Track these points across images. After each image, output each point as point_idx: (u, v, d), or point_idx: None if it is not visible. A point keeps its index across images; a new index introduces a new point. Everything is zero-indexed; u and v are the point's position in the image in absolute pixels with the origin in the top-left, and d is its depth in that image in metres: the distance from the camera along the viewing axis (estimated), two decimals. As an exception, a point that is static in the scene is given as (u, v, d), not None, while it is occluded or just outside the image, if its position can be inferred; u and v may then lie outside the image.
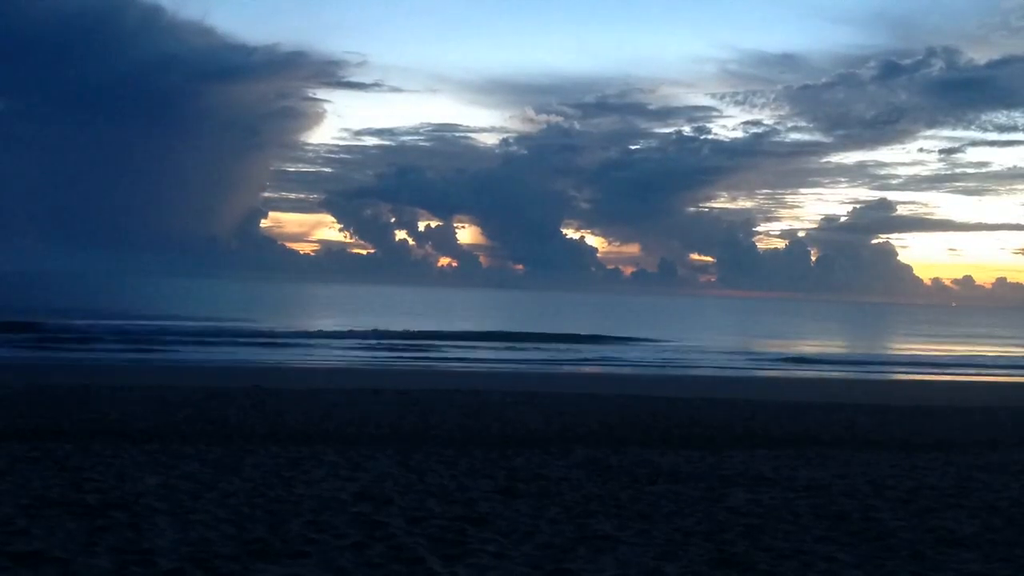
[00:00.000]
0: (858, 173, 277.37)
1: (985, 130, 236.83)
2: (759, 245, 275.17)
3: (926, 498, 9.81)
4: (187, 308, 76.02)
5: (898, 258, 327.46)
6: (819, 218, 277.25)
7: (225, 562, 6.36)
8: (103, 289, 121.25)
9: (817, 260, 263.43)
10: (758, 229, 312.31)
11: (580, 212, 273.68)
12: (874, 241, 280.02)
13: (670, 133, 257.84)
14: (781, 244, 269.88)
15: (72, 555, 6.33)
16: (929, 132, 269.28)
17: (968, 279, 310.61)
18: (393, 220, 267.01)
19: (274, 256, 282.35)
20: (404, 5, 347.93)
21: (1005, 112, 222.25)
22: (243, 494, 8.77)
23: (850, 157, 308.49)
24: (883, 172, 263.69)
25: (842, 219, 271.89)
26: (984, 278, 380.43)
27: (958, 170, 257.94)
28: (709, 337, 64.87)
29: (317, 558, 6.58)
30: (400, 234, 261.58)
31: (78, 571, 6.02)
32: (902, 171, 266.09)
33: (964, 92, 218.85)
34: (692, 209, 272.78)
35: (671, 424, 17.02)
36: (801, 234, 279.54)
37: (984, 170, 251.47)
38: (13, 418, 14.96)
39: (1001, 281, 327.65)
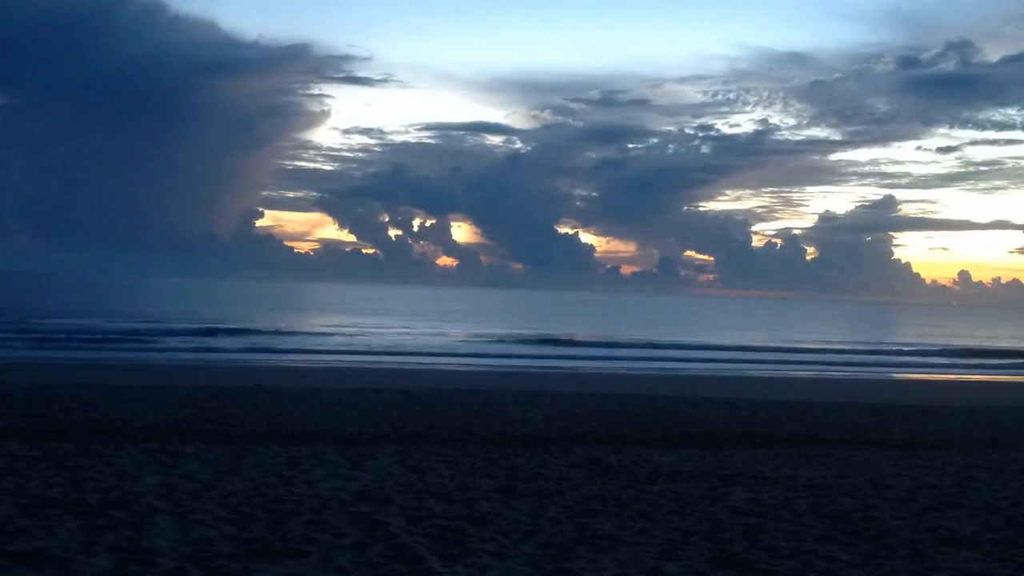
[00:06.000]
0: (865, 171, 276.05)
1: (992, 128, 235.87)
2: (763, 244, 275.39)
3: (926, 498, 9.81)
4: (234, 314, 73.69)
5: (901, 257, 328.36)
6: (824, 217, 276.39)
7: (225, 561, 6.36)
8: (101, 289, 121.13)
9: (820, 259, 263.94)
10: (763, 228, 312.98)
11: (583, 211, 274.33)
12: (878, 240, 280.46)
13: (676, 131, 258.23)
14: (785, 243, 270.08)
15: (72, 554, 6.33)
16: (935, 130, 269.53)
17: (972, 278, 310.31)
18: (393, 219, 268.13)
19: (274, 255, 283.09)
20: (408, 1, 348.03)
21: (1012, 109, 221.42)
22: (243, 493, 8.77)
23: (857, 154, 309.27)
24: (890, 170, 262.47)
25: (847, 218, 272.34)
26: (985, 277, 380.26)
27: (969, 168, 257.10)
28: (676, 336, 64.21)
29: (317, 557, 6.58)
30: (400, 233, 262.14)
31: (78, 570, 6.02)
32: (909, 169, 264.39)
33: (972, 89, 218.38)
34: (697, 207, 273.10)
35: (671, 423, 17.02)
36: (805, 233, 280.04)
37: (992, 168, 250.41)
38: (13, 418, 14.95)
39: (1003, 280, 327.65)
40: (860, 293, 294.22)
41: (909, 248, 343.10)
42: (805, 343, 58.18)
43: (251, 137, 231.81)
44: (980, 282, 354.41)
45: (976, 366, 45.69)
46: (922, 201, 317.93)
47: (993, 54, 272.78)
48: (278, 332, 51.20)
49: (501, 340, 52.63)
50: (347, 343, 46.20)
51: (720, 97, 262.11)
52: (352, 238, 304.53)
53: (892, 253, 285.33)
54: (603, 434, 15.34)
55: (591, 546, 7.21)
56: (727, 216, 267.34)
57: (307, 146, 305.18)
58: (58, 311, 61.57)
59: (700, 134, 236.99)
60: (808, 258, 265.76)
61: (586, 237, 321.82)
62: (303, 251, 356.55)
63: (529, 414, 17.74)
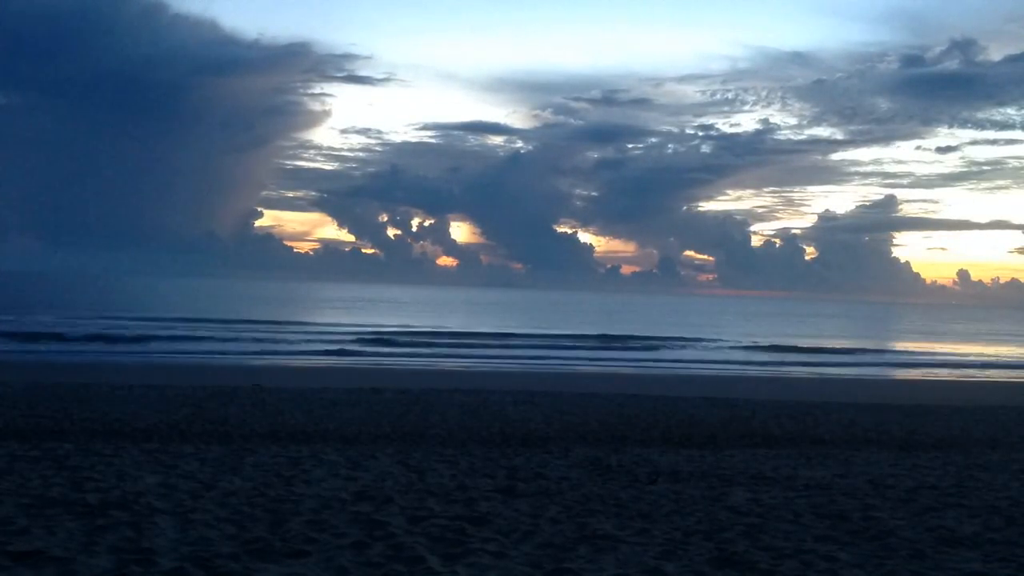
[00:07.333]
0: (867, 170, 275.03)
1: (992, 128, 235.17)
2: (763, 243, 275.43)
3: (926, 497, 9.81)
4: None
5: (901, 257, 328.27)
6: (825, 216, 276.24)
7: (225, 561, 6.35)
8: (101, 290, 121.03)
9: (819, 259, 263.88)
10: (763, 228, 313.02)
11: (583, 210, 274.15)
12: (878, 240, 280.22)
13: (677, 130, 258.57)
14: (784, 243, 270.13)
15: (72, 554, 6.33)
16: (937, 129, 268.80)
17: (971, 278, 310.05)
18: (394, 219, 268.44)
19: (274, 255, 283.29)
20: (409, 1, 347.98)
21: (1011, 108, 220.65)
22: (243, 493, 8.77)
23: (859, 154, 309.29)
24: (891, 170, 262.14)
25: (847, 217, 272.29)
26: (985, 276, 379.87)
27: (971, 168, 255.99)
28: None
29: (317, 557, 6.58)
30: (400, 233, 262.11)
31: (78, 570, 6.02)
32: (911, 168, 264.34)
33: (975, 89, 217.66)
34: (697, 207, 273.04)
35: (671, 423, 17.02)
36: (805, 232, 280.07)
37: (993, 168, 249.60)
38: (13, 418, 14.95)
39: (1002, 280, 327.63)
40: (860, 293, 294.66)
41: (909, 248, 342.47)
42: (805, 343, 58.11)
43: (251, 136, 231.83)
44: (980, 282, 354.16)
45: (975, 368, 45.67)
46: (923, 201, 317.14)
47: (996, 53, 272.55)
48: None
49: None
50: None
51: (721, 96, 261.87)
52: (351, 238, 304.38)
53: (892, 253, 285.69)
54: (603, 434, 15.34)
55: (591, 546, 7.21)
56: (727, 216, 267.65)
57: (307, 146, 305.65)
58: (55, 311, 61.50)
59: (700, 134, 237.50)
60: (808, 258, 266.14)
61: (586, 237, 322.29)
62: (303, 251, 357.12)
63: (529, 414, 17.74)
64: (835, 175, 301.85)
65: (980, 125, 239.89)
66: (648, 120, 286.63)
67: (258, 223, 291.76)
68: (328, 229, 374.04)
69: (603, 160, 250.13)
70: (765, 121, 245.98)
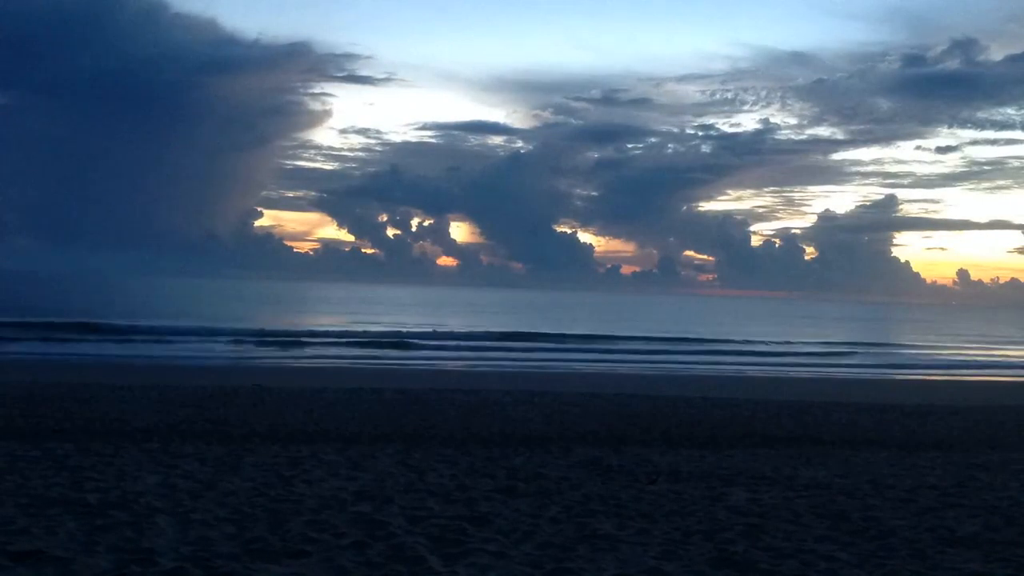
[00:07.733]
0: (868, 170, 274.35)
1: (992, 127, 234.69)
2: (763, 243, 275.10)
3: (926, 497, 9.82)
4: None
5: (902, 257, 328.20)
6: (825, 216, 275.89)
7: (225, 561, 6.36)
8: (101, 290, 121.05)
9: (819, 259, 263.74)
10: (764, 227, 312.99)
11: (583, 210, 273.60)
12: (877, 239, 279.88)
13: (677, 130, 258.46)
14: (784, 242, 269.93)
15: (72, 554, 6.33)
16: (938, 129, 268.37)
17: (971, 278, 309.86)
18: (393, 219, 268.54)
19: (274, 255, 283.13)
20: (410, 0, 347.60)
21: (1010, 108, 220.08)
22: (243, 493, 8.77)
23: (860, 154, 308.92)
24: (891, 169, 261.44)
25: (847, 217, 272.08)
26: (984, 276, 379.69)
27: (972, 168, 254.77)
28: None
29: (317, 557, 6.58)
30: (400, 233, 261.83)
31: (78, 570, 6.02)
32: (912, 168, 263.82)
33: (977, 88, 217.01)
34: (697, 207, 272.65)
35: (671, 423, 17.02)
36: (804, 232, 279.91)
37: (995, 168, 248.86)
38: (13, 418, 14.95)
39: (1001, 280, 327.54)
40: (860, 293, 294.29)
41: (909, 248, 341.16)
42: (806, 343, 58.06)
43: (252, 136, 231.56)
44: (980, 281, 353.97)
45: (975, 368, 45.57)
46: (924, 201, 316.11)
47: (997, 53, 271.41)
48: None
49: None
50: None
51: (721, 96, 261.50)
52: (351, 238, 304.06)
53: (892, 253, 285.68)
54: (603, 434, 15.34)
55: (591, 546, 7.21)
56: (727, 216, 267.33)
57: (307, 146, 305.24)
58: (54, 311, 61.43)
59: (700, 134, 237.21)
60: (808, 258, 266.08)
61: (586, 237, 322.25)
62: (303, 251, 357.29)
63: (529, 414, 17.74)
64: (835, 175, 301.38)
65: (980, 125, 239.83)
66: (648, 120, 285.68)
67: (258, 223, 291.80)
68: (328, 229, 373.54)
69: (603, 160, 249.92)
70: (765, 121, 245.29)
